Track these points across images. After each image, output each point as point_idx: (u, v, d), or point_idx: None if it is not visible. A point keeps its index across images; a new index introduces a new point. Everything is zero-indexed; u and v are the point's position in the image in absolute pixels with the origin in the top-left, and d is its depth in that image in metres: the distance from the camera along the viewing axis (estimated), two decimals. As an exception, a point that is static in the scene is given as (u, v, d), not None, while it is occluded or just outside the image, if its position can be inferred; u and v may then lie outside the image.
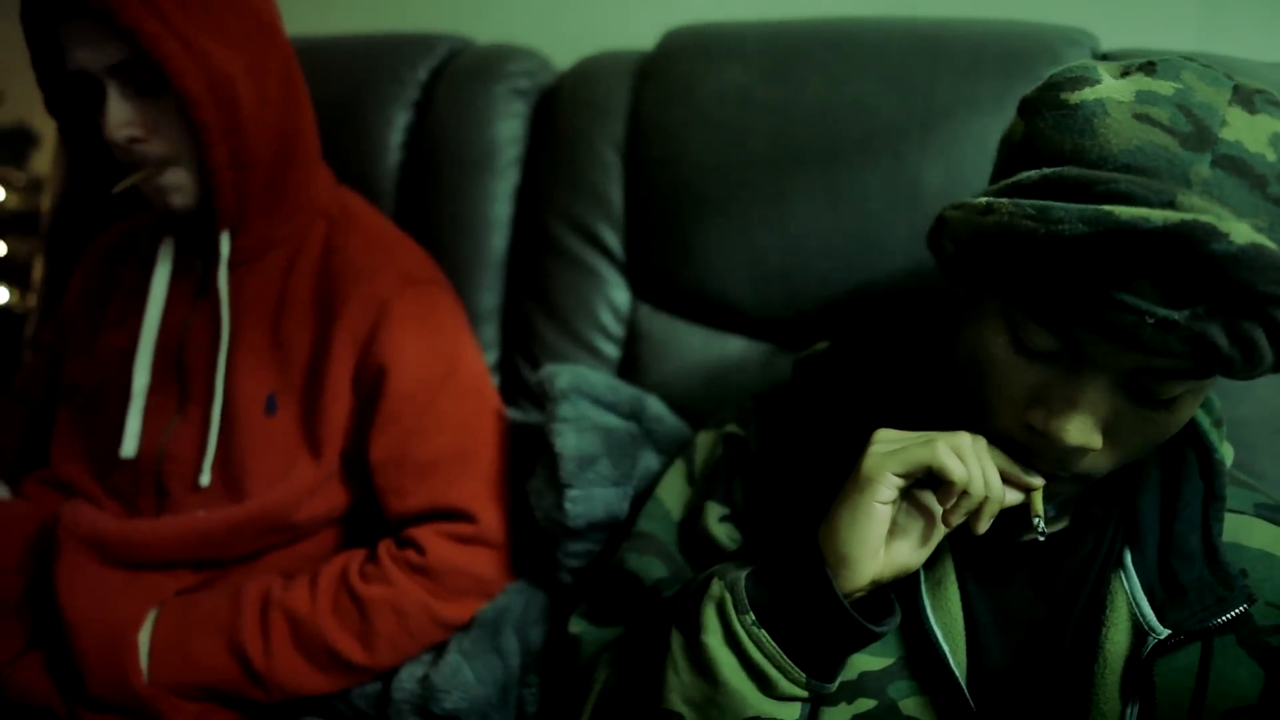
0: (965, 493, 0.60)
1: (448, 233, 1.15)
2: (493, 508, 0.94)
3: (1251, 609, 0.64)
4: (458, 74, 1.20)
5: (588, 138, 1.09)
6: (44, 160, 1.71)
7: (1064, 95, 0.59)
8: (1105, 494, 0.70)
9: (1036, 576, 0.70)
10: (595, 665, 0.77)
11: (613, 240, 1.09)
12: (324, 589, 0.91)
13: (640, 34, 1.15)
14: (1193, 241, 0.51)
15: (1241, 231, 0.51)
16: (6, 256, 1.66)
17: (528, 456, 0.94)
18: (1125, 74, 0.60)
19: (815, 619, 0.62)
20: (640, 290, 1.10)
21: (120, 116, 0.83)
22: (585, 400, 0.89)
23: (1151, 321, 0.53)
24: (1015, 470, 0.63)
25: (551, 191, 1.12)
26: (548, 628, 0.93)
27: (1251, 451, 0.85)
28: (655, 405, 0.94)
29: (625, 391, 0.94)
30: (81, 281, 1.07)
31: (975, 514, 0.62)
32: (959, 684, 0.66)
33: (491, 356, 1.15)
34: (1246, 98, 0.57)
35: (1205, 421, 0.72)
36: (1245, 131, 0.55)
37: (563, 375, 0.91)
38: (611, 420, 0.89)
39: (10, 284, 1.66)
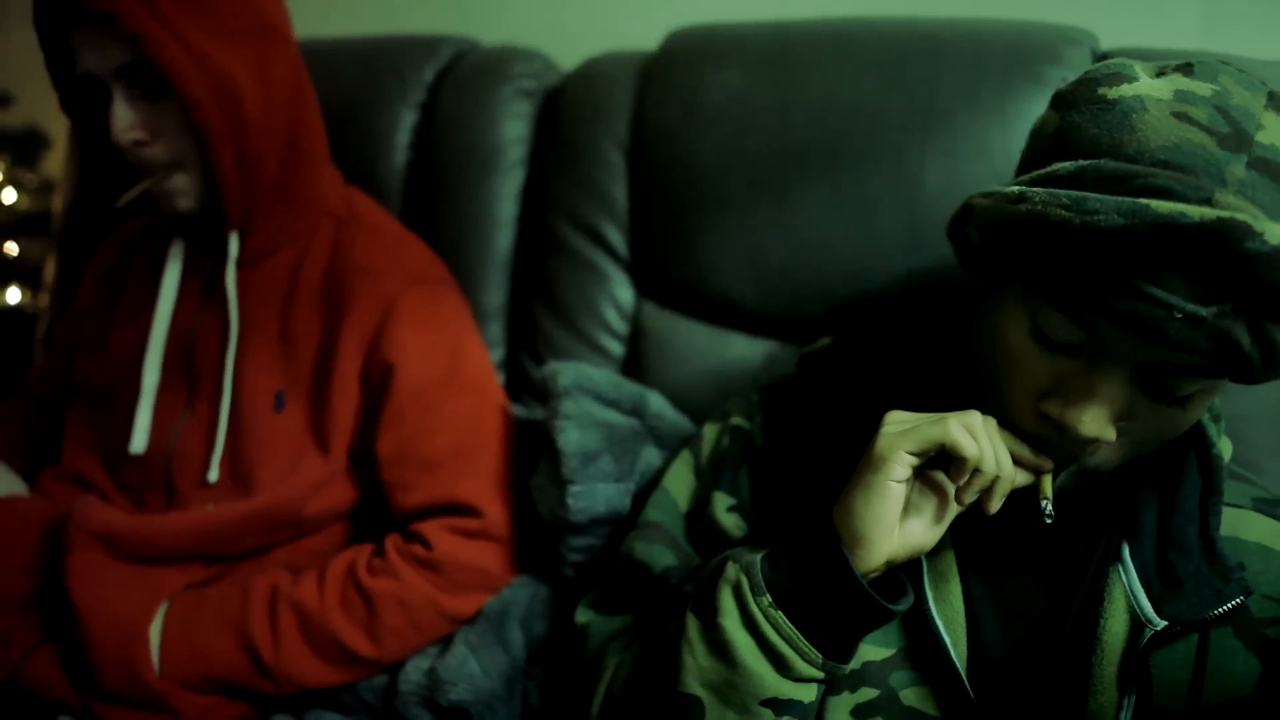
0: (977, 471, 0.61)
1: (454, 232, 1.16)
2: (498, 503, 0.95)
3: (1248, 601, 0.65)
4: (464, 75, 1.21)
5: (592, 138, 1.10)
6: (55, 162, 1.73)
7: (1102, 90, 0.60)
8: (1105, 488, 0.70)
9: (1036, 570, 0.71)
10: (604, 654, 0.78)
11: (617, 239, 1.10)
12: (331, 583, 0.92)
13: (644, 35, 1.16)
14: (1228, 239, 0.52)
15: (1275, 232, 0.52)
16: (18, 257, 1.68)
17: (532, 452, 0.95)
18: (1161, 74, 0.61)
19: (832, 599, 0.63)
20: (644, 288, 1.11)
21: (125, 120, 0.84)
22: (587, 397, 0.90)
23: (1179, 316, 0.54)
24: (1025, 452, 0.64)
25: (556, 191, 1.13)
26: (551, 621, 0.94)
27: (1250, 447, 0.85)
28: (657, 401, 0.95)
29: (627, 388, 0.95)
30: (93, 281, 1.08)
31: (987, 493, 0.62)
32: (959, 675, 0.67)
33: (497, 354, 1.16)
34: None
35: (1204, 416, 0.73)
36: (1279, 135, 0.57)
37: (565, 372, 0.92)
38: (613, 417, 0.90)
39: (22, 284, 1.68)
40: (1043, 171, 0.60)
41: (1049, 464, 0.64)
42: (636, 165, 1.08)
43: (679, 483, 0.85)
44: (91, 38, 0.82)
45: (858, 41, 0.99)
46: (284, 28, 0.91)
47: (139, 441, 0.95)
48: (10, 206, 1.65)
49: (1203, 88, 0.58)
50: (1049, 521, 0.63)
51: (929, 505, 0.64)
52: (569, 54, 1.23)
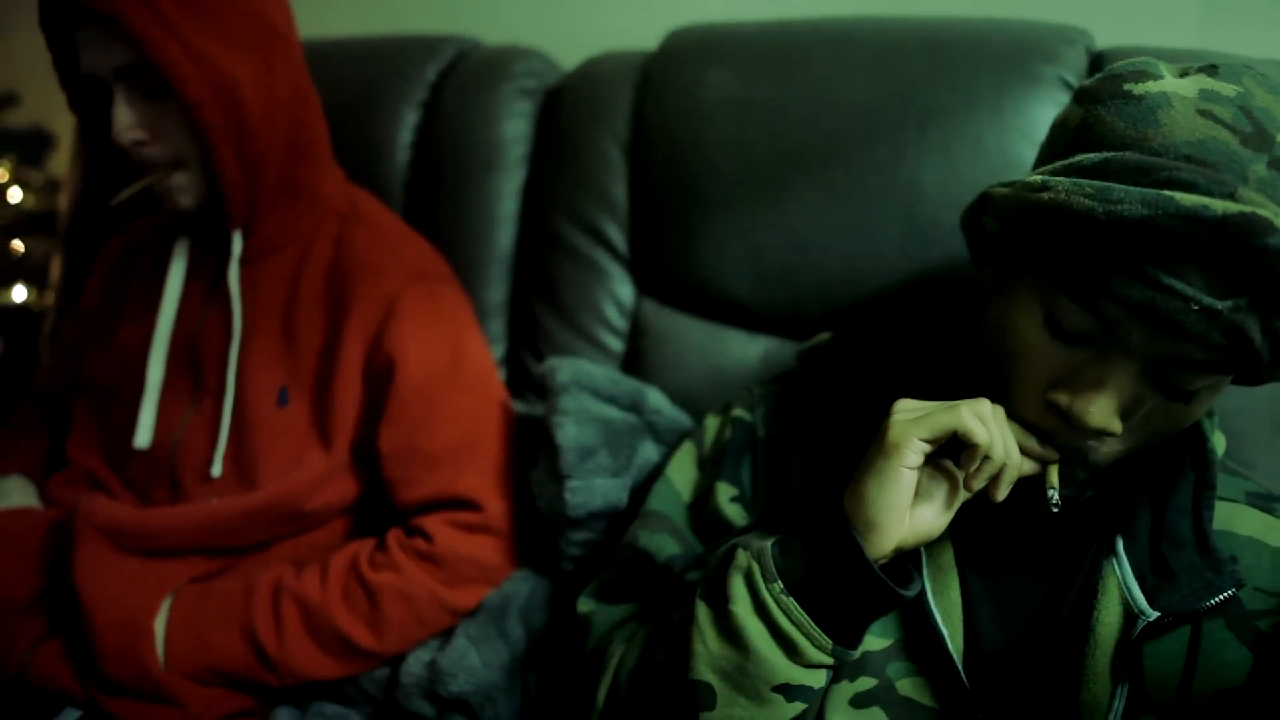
0: (987, 458, 0.62)
1: (455, 229, 1.17)
2: (498, 497, 0.96)
3: (1240, 594, 0.65)
4: (466, 74, 1.21)
5: (592, 136, 1.11)
6: (61, 161, 1.74)
7: (1128, 86, 0.61)
8: (1102, 482, 0.71)
9: (1033, 563, 0.71)
10: (608, 643, 0.78)
11: (617, 236, 1.11)
12: (334, 577, 0.92)
13: (644, 35, 1.17)
14: (1249, 233, 0.53)
15: None
16: (24, 256, 1.69)
17: (532, 448, 0.96)
18: (1184, 74, 0.62)
19: (844, 585, 0.63)
20: (644, 285, 1.11)
21: (125, 119, 0.85)
22: (585, 393, 0.91)
23: (1196, 309, 0.55)
24: (1032, 442, 0.65)
25: (557, 189, 1.14)
26: (551, 614, 0.95)
27: (1243, 442, 0.86)
28: (655, 397, 0.96)
29: (625, 384, 0.95)
30: (100, 279, 1.09)
31: (994, 481, 0.63)
32: (955, 666, 0.68)
33: (498, 350, 1.17)
34: None
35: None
36: None
37: (564, 369, 0.93)
38: (611, 412, 0.91)
39: (28, 283, 1.69)
40: (1066, 162, 0.61)
41: (1054, 454, 0.65)
42: (636, 163, 1.09)
43: (682, 474, 0.85)
44: (94, 38, 0.83)
45: (855, 41, 1.00)
46: (286, 28, 0.92)
47: (143, 437, 0.95)
48: (16, 205, 1.66)
49: (1227, 88, 0.59)
50: (1055, 510, 0.64)
51: (939, 492, 0.65)
52: (570, 53, 1.24)
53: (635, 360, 1.09)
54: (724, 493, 0.80)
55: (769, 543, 0.66)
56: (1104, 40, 0.97)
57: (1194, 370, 0.60)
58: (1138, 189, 0.55)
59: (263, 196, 0.91)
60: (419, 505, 0.96)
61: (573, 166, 1.12)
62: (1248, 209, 0.53)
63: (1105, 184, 0.57)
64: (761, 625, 0.64)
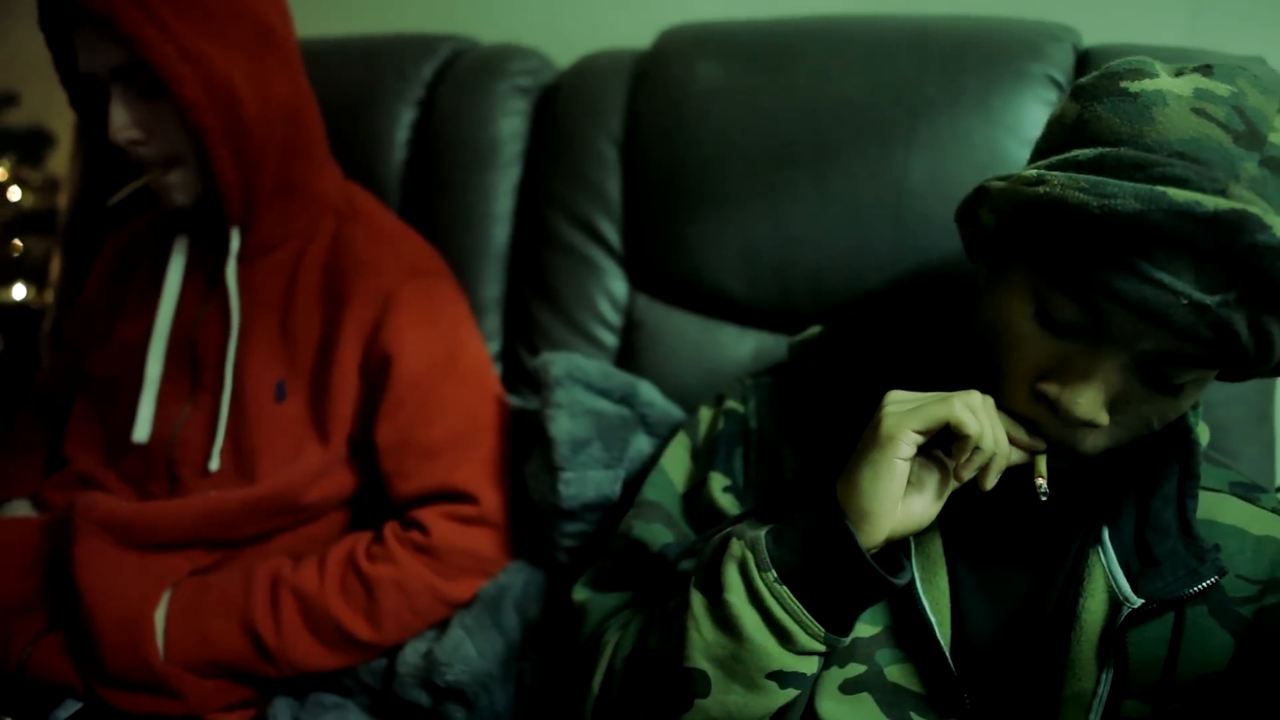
0: (977, 448, 0.63)
1: (452, 226, 1.17)
2: (493, 490, 0.97)
3: (1223, 581, 0.67)
4: (462, 73, 1.22)
5: (587, 134, 1.12)
6: (60, 160, 1.74)
7: (1124, 83, 0.62)
8: (1088, 473, 0.72)
9: (1020, 552, 0.72)
10: (603, 631, 0.79)
11: (611, 233, 1.12)
12: (332, 569, 0.93)
13: (638, 33, 1.18)
14: (1239, 229, 0.54)
15: None
16: (24, 254, 1.69)
17: (527, 441, 0.97)
18: (1180, 73, 0.63)
19: (837, 573, 0.64)
20: (637, 281, 1.12)
21: (121, 119, 0.85)
22: (579, 386, 0.91)
23: (1185, 303, 0.56)
24: (1021, 433, 0.66)
25: (552, 186, 1.14)
26: (545, 605, 0.96)
27: (1227, 433, 0.87)
28: (647, 390, 0.97)
29: (618, 377, 0.96)
30: (100, 276, 1.10)
31: (983, 470, 0.64)
32: (943, 653, 0.69)
33: (494, 346, 1.18)
34: None
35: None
36: None
37: (557, 362, 0.94)
38: (604, 405, 0.92)
39: (27, 281, 1.70)
40: (1061, 157, 0.62)
41: (1043, 444, 0.66)
42: (630, 160, 1.10)
43: (676, 464, 0.86)
44: (91, 39, 0.84)
45: (845, 38, 1.01)
46: (282, 28, 0.93)
47: (142, 431, 0.96)
48: (16, 204, 1.67)
49: (1221, 88, 0.60)
50: (1044, 499, 0.65)
51: (930, 481, 0.66)
52: (565, 52, 1.25)
53: (629, 354, 1.10)
54: (717, 483, 0.81)
55: (762, 532, 0.67)
56: (1091, 38, 0.98)
57: (1181, 364, 0.61)
58: (1131, 184, 0.56)
59: (259, 195, 0.92)
60: (415, 498, 0.96)
61: (567, 164, 1.13)
62: (1238, 206, 0.54)
63: (1100, 179, 0.58)
64: (755, 613, 0.65)
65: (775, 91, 1.01)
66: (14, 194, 1.67)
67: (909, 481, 0.65)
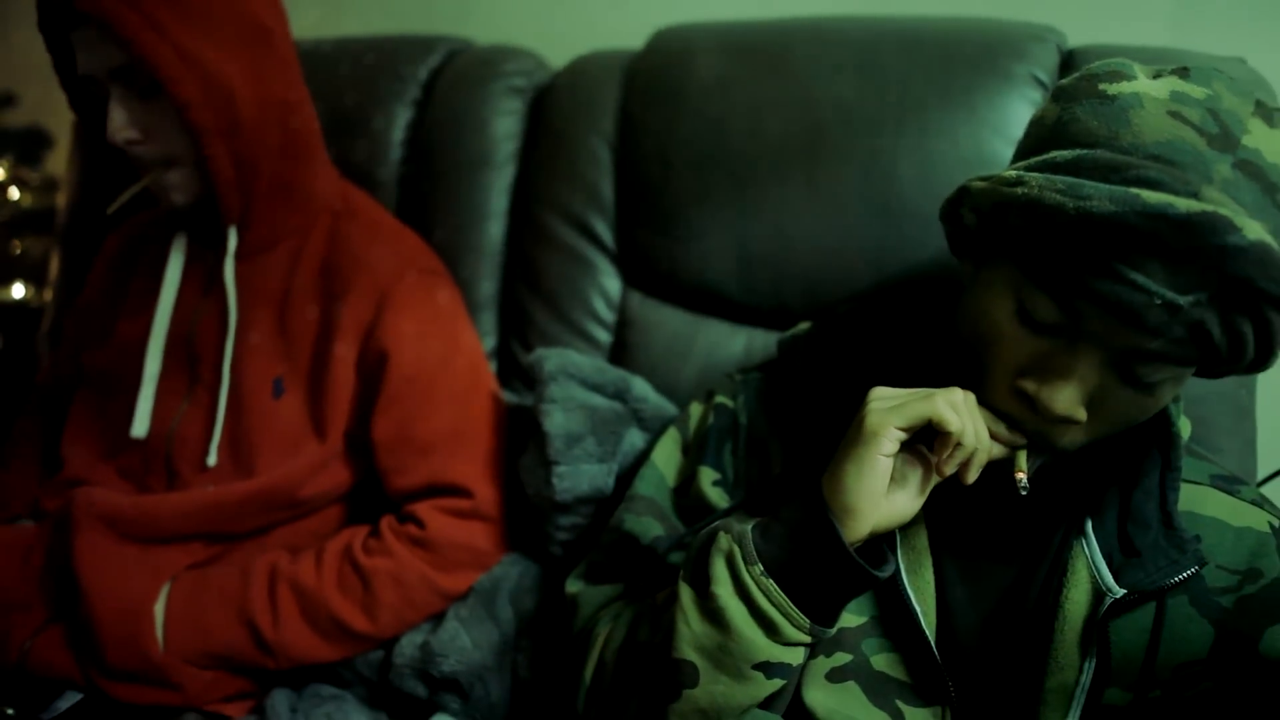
0: (959, 444, 0.64)
1: (447, 224, 1.18)
2: (488, 484, 0.98)
3: (1203, 571, 0.68)
4: (457, 74, 1.23)
5: (580, 133, 1.13)
6: (58, 160, 1.75)
7: (1102, 86, 0.63)
8: (1071, 467, 0.73)
9: (1005, 544, 0.74)
10: (595, 623, 0.80)
11: (604, 231, 1.12)
12: (329, 563, 0.94)
13: (631, 34, 1.18)
14: (1210, 231, 0.55)
15: (1253, 229, 0.56)
16: (22, 254, 1.70)
17: (522, 436, 0.98)
18: (1158, 76, 0.64)
19: (821, 567, 0.65)
20: (630, 278, 1.13)
21: (119, 119, 0.86)
22: (573, 382, 0.93)
23: (1158, 303, 0.57)
24: (1001, 428, 0.67)
25: (546, 185, 1.15)
26: (540, 597, 0.97)
27: (1208, 427, 0.88)
28: (640, 385, 0.98)
29: (611, 373, 0.97)
30: (98, 275, 1.11)
31: (965, 465, 0.65)
32: (929, 642, 0.70)
33: (489, 342, 1.19)
34: (1267, 113, 0.61)
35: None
36: (1264, 142, 0.60)
37: (551, 358, 0.95)
38: (597, 400, 0.93)
39: (26, 280, 1.70)
40: (1040, 158, 0.63)
41: (1023, 439, 0.67)
42: (623, 159, 1.11)
43: (666, 459, 0.87)
44: (89, 40, 0.84)
45: (835, 39, 1.02)
46: (278, 29, 0.94)
47: (140, 426, 0.97)
48: (15, 204, 1.68)
49: (1197, 91, 0.61)
50: (1024, 494, 0.66)
51: (912, 476, 0.67)
52: (559, 53, 1.26)
53: (622, 351, 1.11)
54: (706, 477, 0.82)
55: (749, 526, 0.68)
56: (1076, 39, 0.99)
57: (1156, 362, 0.62)
58: (1107, 186, 0.58)
59: (256, 194, 0.93)
60: (411, 492, 0.98)
61: (561, 163, 1.14)
62: (1210, 208, 0.55)
63: (1076, 180, 0.59)
64: (742, 605, 0.66)
65: (765, 91, 1.02)
66: (13, 194, 1.68)
67: (892, 477, 0.66)
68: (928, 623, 0.71)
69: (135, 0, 0.81)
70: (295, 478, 0.96)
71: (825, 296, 1.00)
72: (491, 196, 1.19)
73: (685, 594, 0.69)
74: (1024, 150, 0.69)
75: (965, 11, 1.04)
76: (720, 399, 0.86)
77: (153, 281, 1.02)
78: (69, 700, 0.90)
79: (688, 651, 0.67)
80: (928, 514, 0.73)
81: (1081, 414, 0.64)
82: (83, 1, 0.80)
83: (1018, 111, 0.93)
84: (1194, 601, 0.68)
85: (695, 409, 0.89)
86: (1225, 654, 0.67)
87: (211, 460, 0.96)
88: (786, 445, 0.81)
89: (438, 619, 0.95)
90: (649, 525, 0.82)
